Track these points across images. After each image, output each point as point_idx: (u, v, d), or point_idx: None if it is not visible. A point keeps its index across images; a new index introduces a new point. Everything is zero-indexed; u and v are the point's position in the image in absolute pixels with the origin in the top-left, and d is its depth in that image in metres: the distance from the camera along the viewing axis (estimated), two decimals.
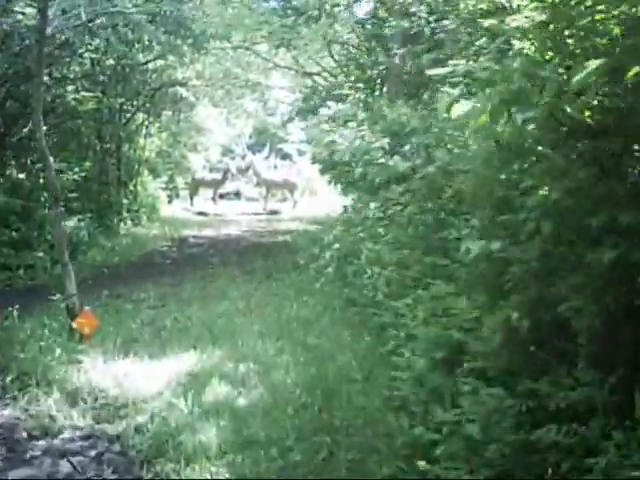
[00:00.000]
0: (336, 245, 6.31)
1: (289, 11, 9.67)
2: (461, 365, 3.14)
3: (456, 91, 3.20)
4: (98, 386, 4.67)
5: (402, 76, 8.34)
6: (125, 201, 13.26)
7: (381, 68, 9.79)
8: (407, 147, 4.34)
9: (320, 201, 19.80)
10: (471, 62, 3.57)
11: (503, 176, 2.83)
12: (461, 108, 2.68)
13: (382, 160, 4.54)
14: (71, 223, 9.88)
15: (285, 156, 21.61)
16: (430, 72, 3.56)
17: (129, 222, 13.02)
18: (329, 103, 5.50)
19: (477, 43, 4.20)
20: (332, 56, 12.18)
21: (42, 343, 5.25)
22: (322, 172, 19.92)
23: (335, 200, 20.87)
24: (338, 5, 10.21)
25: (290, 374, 4.64)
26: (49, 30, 4.81)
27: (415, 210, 4.15)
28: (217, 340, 5.59)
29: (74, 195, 10.21)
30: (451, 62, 3.15)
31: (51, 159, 5.60)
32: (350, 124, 5.44)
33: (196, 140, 19.61)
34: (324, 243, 7.42)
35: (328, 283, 7.05)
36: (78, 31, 7.44)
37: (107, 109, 13.45)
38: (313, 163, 21.05)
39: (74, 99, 10.88)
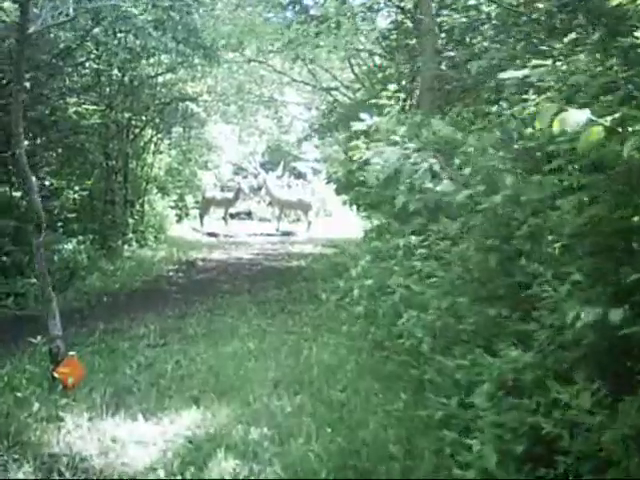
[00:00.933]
0: (368, 281, 5.44)
1: (307, 19, 8.95)
2: (554, 466, 2.30)
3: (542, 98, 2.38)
4: (80, 453, 3.84)
5: (435, 88, 7.55)
6: (131, 221, 12.53)
7: (410, 79, 9.06)
8: (467, 170, 3.53)
9: (335, 223, 19.06)
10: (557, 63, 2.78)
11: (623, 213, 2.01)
12: (572, 119, 1.88)
13: (429, 184, 3.74)
14: (69, 246, 9.18)
15: (299, 175, 20.92)
16: (503, 75, 2.78)
17: (134, 243, 12.27)
18: (364, 115, 4.67)
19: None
20: (352, 67, 11.46)
21: (19, 394, 4.45)
22: (338, 192, 19.22)
23: (351, 222, 20.14)
24: (357, 14, 9.46)
25: (312, 444, 3.79)
26: (32, 28, 4.08)
27: (474, 248, 3.34)
28: (225, 392, 4.76)
29: (74, 215, 9.47)
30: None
31: (33, 179, 4.82)
32: (390, 138, 4.66)
33: (207, 158, 18.94)
34: (351, 275, 6.55)
35: (352, 321, 6.20)
36: (78, 36, 6.75)
37: (114, 124, 12.80)
38: (328, 183, 20.45)
39: (76, 112, 10.17)
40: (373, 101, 5.96)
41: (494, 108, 4.28)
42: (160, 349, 5.94)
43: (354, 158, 4.42)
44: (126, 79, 13.24)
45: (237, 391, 4.81)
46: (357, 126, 4.42)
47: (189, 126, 16.67)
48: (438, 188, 3.76)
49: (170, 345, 6.05)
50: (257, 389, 4.83)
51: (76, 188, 9.75)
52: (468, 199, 3.33)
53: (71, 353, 4.55)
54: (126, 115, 12.90)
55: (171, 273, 10.52)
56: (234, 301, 8.19)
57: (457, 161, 4.08)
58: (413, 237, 5.00)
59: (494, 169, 3.25)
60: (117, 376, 5.09)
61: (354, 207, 19.49)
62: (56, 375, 4.47)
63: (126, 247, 11.87)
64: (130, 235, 12.26)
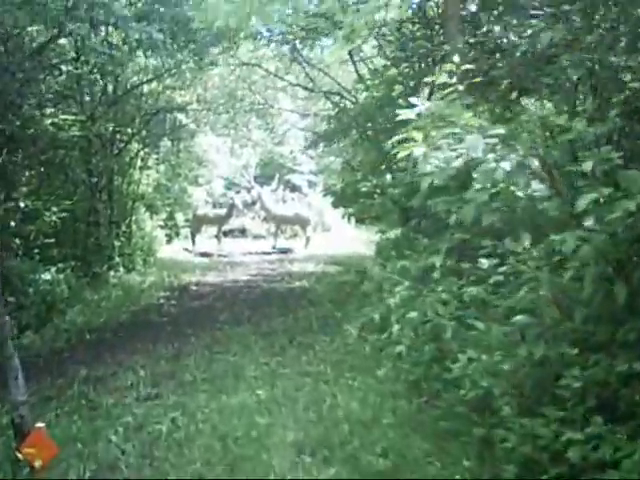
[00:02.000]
0: (411, 314, 4.41)
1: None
2: None
3: None
4: None
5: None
6: (117, 244, 11.47)
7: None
8: (589, 164, 2.53)
9: (334, 237, 18.10)
10: None
11: None
12: None
13: (520, 188, 2.75)
14: (47, 276, 8.12)
15: (294, 188, 19.94)
16: None
17: (121, 268, 11.21)
18: (413, 100, 3.65)
19: None
20: (356, 66, 10.51)
21: None
22: (335, 205, 18.26)
23: (351, 236, 19.19)
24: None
25: None
26: None
27: (588, 276, 2.39)
28: (235, 464, 3.76)
29: (52, 240, 8.43)
30: None
31: None
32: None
33: (197, 172, 17.92)
34: (388, 306, 5.59)
35: (384, 359, 5.21)
36: (50, 29, 5.78)
37: (97, 137, 11.80)
38: (325, 195, 19.50)
39: (53, 124, 9.16)
40: (427, 79, 4.95)
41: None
42: (152, 403, 4.92)
43: (399, 156, 3.45)
44: (109, 87, 12.34)
45: (250, 461, 3.81)
46: (405, 114, 3.45)
47: (178, 138, 15.71)
48: (536, 194, 2.77)
49: (164, 397, 5.02)
50: (276, 457, 3.83)
51: (55, 209, 8.71)
52: (591, 205, 2.34)
53: (39, 425, 3.52)
54: (110, 127, 11.91)
55: (162, 301, 9.48)
56: (235, 333, 7.17)
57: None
58: (486, 261, 3.98)
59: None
60: (99, 445, 4.07)
61: (352, 220, 18.53)
62: (20, 455, 3.44)
63: (112, 273, 10.80)
64: (116, 259, 11.20)
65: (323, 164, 22.15)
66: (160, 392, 5.14)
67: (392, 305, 4.68)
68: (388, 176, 11.92)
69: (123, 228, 12.14)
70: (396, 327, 4.39)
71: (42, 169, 10.43)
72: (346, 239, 17.71)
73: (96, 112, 11.69)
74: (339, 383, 5.15)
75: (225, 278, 11.97)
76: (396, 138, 3.55)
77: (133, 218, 12.79)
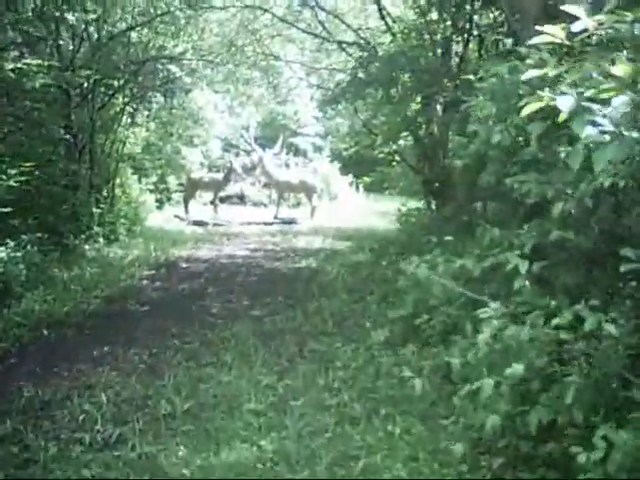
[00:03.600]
0: (516, 367, 2.85)
1: None
2: None
3: None
4: None
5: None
6: (97, 211, 9.95)
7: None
8: None
9: (341, 207, 16.59)
10: None
11: None
12: None
13: None
14: (1, 254, 6.62)
15: (298, 152, 18.33)
16: None
17: (101, 240, 9.72)
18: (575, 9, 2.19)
19: None
20: (381, 10, 8.84)
21: None
22: (344, 172, 16.64)
23: (360, 205, 17.69)
24: None
25: None
26: None
27: None
28: None
29: (7, 210, 6.90)
30: None
31: None
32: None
33: (192, 132, 16.30)
34: (474, 340, 4.05)
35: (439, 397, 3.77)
36: None
37: (76, 89, 10.20)
38: (332, 161, 17.97)
39: (14, 70, 7.56)
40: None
41: None
42: (110, 455, 3.47)
43: (525, 112, 2.03)
44: (92, 31, 10.70)
45: None
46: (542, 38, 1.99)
47: (171, 93, 14.09)
48: None
49: (127, 445, 3.57)
50: None
51: (13, 172, 7.17)
52: None
53: None
54: (92, 77, 10.27)
55: (145, 282, 8.01)
56: (229, 334, 5.71)
57: None
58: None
59: None
60: None
61: (361, 188, 16.94)
62: None
63: (88, 246, 9.32)
64: (95, 229, 9.70)
65: (330, 126, 20.52)
66: (124, 434, 3.70)
67: (480, 342, 3.15)
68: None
69: (105, 193, 10.60)
70: (487, 383, 2.90)
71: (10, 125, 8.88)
72: (354, 209, 16.22)
73: (76, 60, 10.10)
74: (373, 426, 3.72)
75: (220, 252, 10.50)
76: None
77: (117, 181, 11.25)
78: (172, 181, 15.29)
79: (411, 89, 8.39)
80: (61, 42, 9.76)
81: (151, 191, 14.12)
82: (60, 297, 6.81)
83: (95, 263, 8.59)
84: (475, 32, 8.34)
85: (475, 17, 8.50)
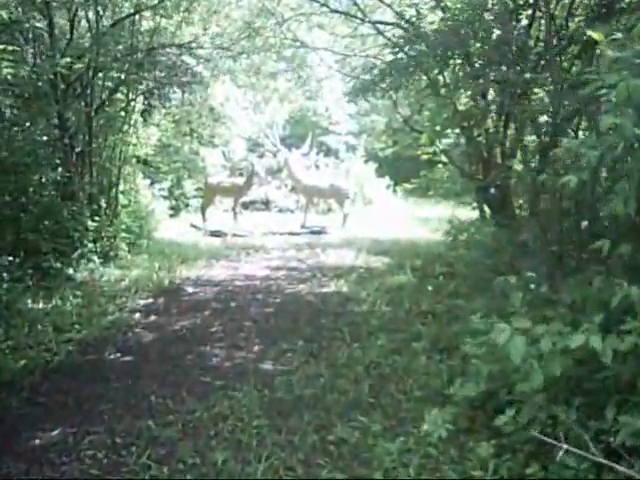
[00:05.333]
0: None
1: None
2: None
3: None
4: None
5: None
6: (92, 224, 8.53)
7: None
8: None
9: (377, 214, 14.93)
10: None
11: None
12: None
13: None
14: None
15: (330, 152, 16.73)
16: None
17: (96, 259, 8.29)
18: None
19: None
20: None
21: None
22: (380, 174, 14.90)
23: (397, 211, 15.99)
24: None
25: None
26: None
27: None
28: None
29: None
30: None
31: None
32: None
33: (213, 131, 14.83)
34: None
35: None
36: None
37: (73, 82, 8.84)
38: (367, 161, 16.30)
39: None
40: None
41: None
42: None
43: None
44: (90, 15, 9.30)
45: None
46: None
47: (188, 87, 12.62)
48: None
49: None
50: None
51: None
52: None
53: None
54: (90, 68, 8.90)
55: (136, 316, 6.50)
56: (228, 408, 4.15)
57: None
58: None
59: None
60: None
61: (398, 192, 15.18)
62: None
63: (78, 268, 7.90)
64: (89, 246, 8.28)
65: (365, 124, 18.74)
66: None
67: None
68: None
69: (104, 202, 9.17)
70: None
71: None
72: (392, 216, 14.55)
73: (68, 49, 8.71)
74: None
75: (236, 272, 8.98)
76: None
77: (120, 188, 9.80)
78: (189, 186, 13.85)
79: (470, 76, 6.72)
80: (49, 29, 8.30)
81: (165, 197, 12.72)
82: (20, 343, 5.36)
83: (81, 290, 7.15)
84: None
85: None
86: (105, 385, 4.63)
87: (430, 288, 7.40)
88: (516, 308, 3.43)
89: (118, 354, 5.35)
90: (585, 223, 4.06)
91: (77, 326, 5.97)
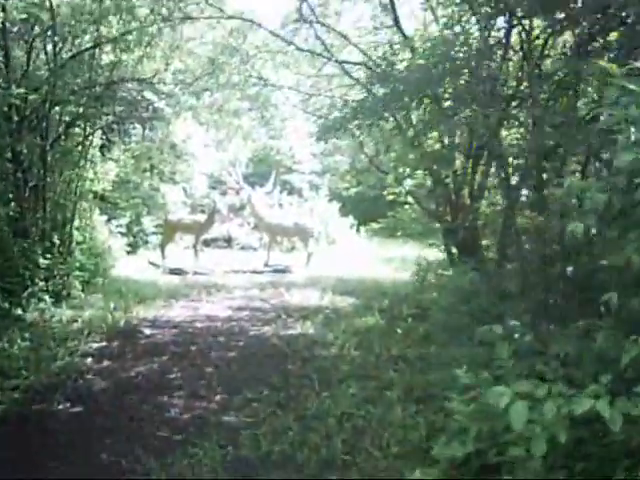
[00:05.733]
0: None
1: None
2: None
3: None
4: None
5: None
6: (44, 262, 8.07)
7: None
8: None
9: (340, 253, 14.74)
10: None
11: None
12: None
13: None
14: None
15: (293, 191, 16.56)
16: None
17: (47, 298, 7.82)
18: None
19: None
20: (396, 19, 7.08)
21: None
22: (344, 213, 14.77)
23: (360, 251, 15.82)
24: None
25: None
26: None
27: None
28: None
29: None
30: None
31: None
32: None
33: (174, 167, 14.52)
34: None
35: None
36: None
37: (29, 112, 8.48)
38: (331, 200, 16.17)
39: None
40: None
41: None
42: None
43: None
44: (48, 48, 8.97)
45: None
46: None
47: (149, 123, 12.33)
48: None
49: None
50: None
51: None
52: None
53: None
54: (47, 100, 8.56)
55: (88, 361, 6.06)
56: (187, 468, 3.78)
57: None
58: None
59: None
60: None
61: (361, 232, 15.03)
62: None
63: (32, 306, 7.44)
64: (39, 285, 7.81)
65: (329, 163, 18.73)
66: None
67: None
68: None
69: (56, 239, 8.71)
70: None
71: None
72: (356, 255, 14.36)
73: (24, 80, 8.35)
74: None
75: (197, 312, 8.59)
76: None
77: (75, 224, 9.37)
78: (148, 222, 13.43)
79: (436, 115, 6.63)
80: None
81: (123, 234, 12.27)
82: None
83: (30, 332, 6.67)
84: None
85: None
86: (52, 439, 4.21)
87: (399, 331, 7.17)
88: (503, 361, 3.20)
89: (67, 403, 4.91)
90: (570, 270, 3.89)
91: (24, 372, 5.50)
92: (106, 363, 6.03)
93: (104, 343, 6.74)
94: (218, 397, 5.13)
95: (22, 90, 7.83)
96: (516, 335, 4.06)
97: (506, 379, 3.37)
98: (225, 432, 4.35)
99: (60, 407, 4.85)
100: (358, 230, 16.36)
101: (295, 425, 4.46)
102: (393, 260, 13.59)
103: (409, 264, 12.67)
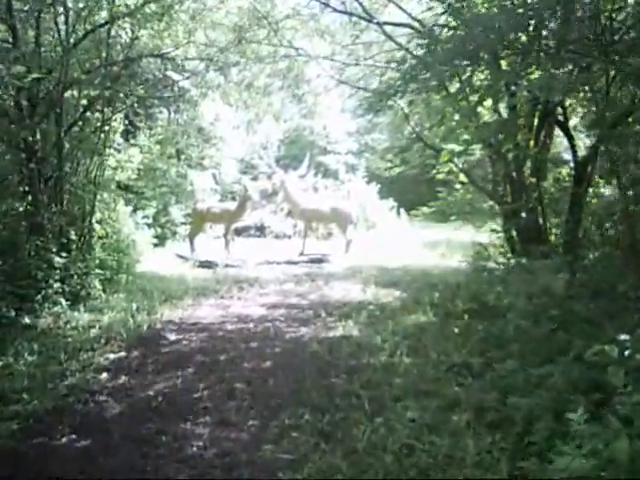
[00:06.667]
0: None
1: None
2: None
3: None
4: None
5: None
6: (60, 260, 7.36)
7: None
8: None
9: (381, 238, 13.79)
10: None
11: None
12: None
13: None
14: None
15: (328, 173, 15.62)
16: None
17: (63, 301, 7.11)
18: None
19: None
20: None
21: None
22: (383, 195, 13.88)
23: (405, 235, 14.86)
24: None
25: None
26: None
27: None
28: None
29: None
30: None
31: None
32: None
33: (202, 153, 13.71)
34: None
35: None
36: None
37: (38, 101, 7.74)
38: (369, 182, 15.20)
39: None
40: None
41: None
42: None
43: None
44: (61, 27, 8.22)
45: None
46: None
47: (174, 105, 11.53)
48: None
49: None
50: None
51: None
52: None
53: None
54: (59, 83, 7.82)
55: (102, 377, 5.27)
56: None
57: None
58: None
59: None
60: None
61: (403, 215, 13.99)
62: None
63: (45, 310, 6.74)
64: (55, 287, 7.10)
65: (366, 142, 17.59)
66: None
67: None
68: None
69: (73, 235, 7.99)
70: None
71: None
72: (398, 241, 13.41)
73: (33, 60, 7.59)
74: None
75: (227, 312, 7.80)
76: None
77: (96, 217, 8.65)
78: (177, 212, 12.68)
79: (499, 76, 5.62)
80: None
81: (149, 226, 11.55)
82: None
83: (40, 342, 5.94)
84: None
85: None
86: None
87: (456, 331, 6.25)
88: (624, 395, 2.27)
89: (73, 436, 4.13)
90: None
91: (26, 395, 4.74)
92: (122, 379, 5.24)
93: (123, 353, 5.96)
94: (250, 423, 4.29)
95: (34, 75, 7.07)
96: (627, 352, 3.12)
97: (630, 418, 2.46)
98: (258, 473, 3.51)
99: (64, 441, 4.07)
100: (399, 213, 15.37)
101: (344, 464, 3.60)
102: (438, 245, 12.60)
103: (456, 249, 11.70)
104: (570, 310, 4.10)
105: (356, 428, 4.11)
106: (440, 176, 8.65)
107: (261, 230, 14.12)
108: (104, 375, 5.33)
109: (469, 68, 5.84)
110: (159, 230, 11.98)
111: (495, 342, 5.43)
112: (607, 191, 7.22)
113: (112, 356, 5.86)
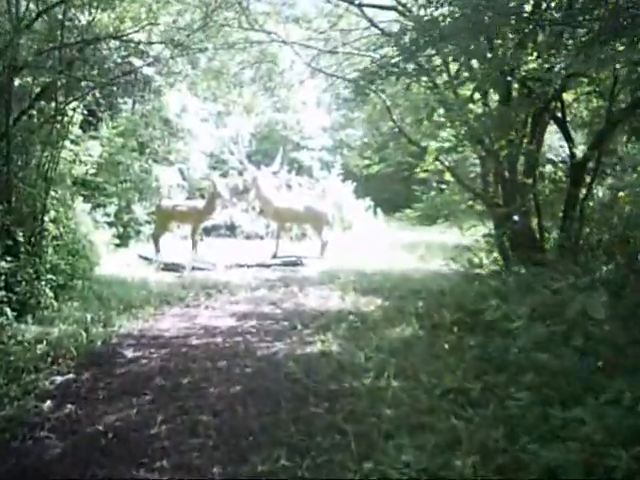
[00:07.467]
0: None
1: None
2: None
3: None
4: None
5: None
6: (4, 265, 6.56)
7: None
8: None
9: (359, 239, 13.19)
10: None
11: None
12: None
13: None
14: None
15: (302, 170, 14.95)
16: None
17: (8, 312, 6.32)
18: None
19: None
20: None
21: None
22: (360, 193, 13.34)
23: (382, 236, 14.25)
24: None
25: None
26: None
27: None
28: None
29: None
30: None
31: None
32: None
33: (168, 146, 12.91)
34: None
35: None
36: None
37: None
38: (345, 180, 14.60)
39: None
40: None
41: None
42: None
43: None
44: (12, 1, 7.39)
45: None
46: None
47: (135, 95, 10.73)
48: None
49: None
50: None
51: None
52: None
53: None
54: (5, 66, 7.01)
55: (47, 404, 4.54)
56: None
57: None
58: None
59: None
60: None
61: (379, 215, 13.38)
62: None
63: None
64: None
65: (341, 138, 16.88)
66: None
67: None
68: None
69: (21, 236, 7.17)
70: None
71: None
72: (374, 242, 12.82)
73: None
74: None
75: (193, 323, 7.08)
76: None
77: (47, 217, 7.83)
78: (140, 210, 11.87)
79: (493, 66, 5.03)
80: None
81: (110, 224, 10.74)
82: None
83: None
84: None
85: None
86: None
87: (446, 347, 5.67)
88: None
89: None
90: None
91: None
92: (68, 408, 4.51)
93: (71, 375, 5.22)
94: (215, 470, 3.62)
95: None
96: None
97: None
98: None
99: None
100: (375, 213, 14.78)
101: None
102: (416, 247, 12.04)
103: (435, 252, 11.18)
104: (603, 340, 3.51)
105: (342, 474, 3.48)
106: (423, 175, 8.05)
107: (231, 230, 13.37)
108: (48, 403, 4.59)
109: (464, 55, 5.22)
110: (121, 229, 11.17)
111: (494, 364, 4.88)
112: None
113: (59, 379, 5.12)
